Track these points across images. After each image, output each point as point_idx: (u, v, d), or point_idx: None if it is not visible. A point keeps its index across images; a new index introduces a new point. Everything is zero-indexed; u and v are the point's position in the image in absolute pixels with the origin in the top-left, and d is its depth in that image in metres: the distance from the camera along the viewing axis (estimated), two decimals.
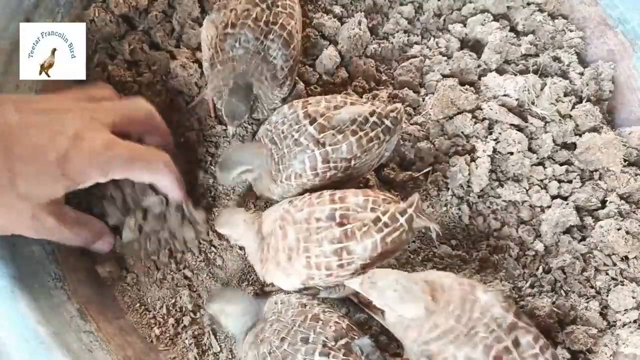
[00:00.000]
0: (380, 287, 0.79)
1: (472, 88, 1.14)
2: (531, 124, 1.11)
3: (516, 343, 0.77)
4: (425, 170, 1.08)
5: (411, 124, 1.12)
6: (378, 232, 0.82)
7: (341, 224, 0.83)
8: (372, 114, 0.91)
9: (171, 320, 0.99)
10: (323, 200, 0.86)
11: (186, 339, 0.99)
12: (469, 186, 1.08)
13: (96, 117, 0.81)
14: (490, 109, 1.11)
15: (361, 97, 1.08)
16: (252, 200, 1.06)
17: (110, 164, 0.81)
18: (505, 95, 1.13)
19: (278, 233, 0.88)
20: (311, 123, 0.90)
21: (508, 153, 1.09)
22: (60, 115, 0.78)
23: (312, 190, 0.92)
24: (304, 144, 0.89)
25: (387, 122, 0.92)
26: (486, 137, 1.10)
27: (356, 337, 0.81)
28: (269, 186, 0.96)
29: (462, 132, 1.10)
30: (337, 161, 0.90)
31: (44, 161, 0.74)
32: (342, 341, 0.79)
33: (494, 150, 1.08)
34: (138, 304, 1.01)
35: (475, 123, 1.10)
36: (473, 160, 1.07)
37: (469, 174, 1.06)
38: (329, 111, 0.91)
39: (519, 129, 1.11)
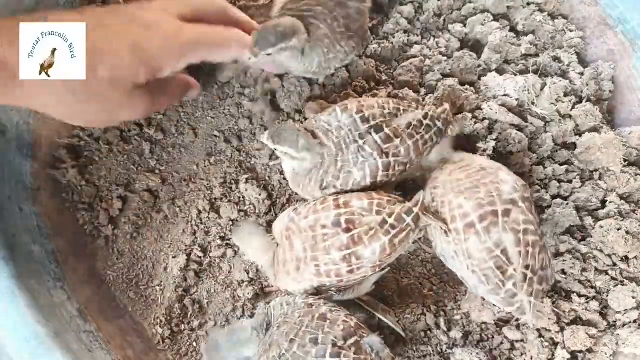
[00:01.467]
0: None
1: (472, 88, 1.14)
2: (531, 124, 1.11)
3: (506, 213, 0.82)
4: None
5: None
6: (385, 234, 0.82)
7: (347, 230, 0.83)
8: (425, 116, 0.93)
9: (172, 321, 1.00)
10: (327, 206, 0.86)
11: (186, 339, 0.99)
12: None
13: (167, 9, 0.85)
14: (490, 109, 1.10)
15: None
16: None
17: (182, 48, 0.84)
18: (505, 95, 1.13)
19: (285, 244, 0.88)
20: (376, 131, 0.89)
21: (508, 153, 1.08)
22: (134, 10, 0.84)
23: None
24: (368, 152, 0.89)
25: (439, 124, 0.94)
26: (486, 137, 1.10)
27: (365, 335, 0.81)
28: (312, 191, 0.92)
29: (462, 132, 1.10)
30: (396, 167, 0.90)
31: (120, 50, 0.78)
32: (352, 340, 0.78)
33: (494, 150, 1.08)
34: (141, 303, 1.01)
35: (476, 123, 1.10)
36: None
37: None
38: (384, 117, 0.90)
39: (519, 129, 1.11)
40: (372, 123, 0.89)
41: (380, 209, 0.84)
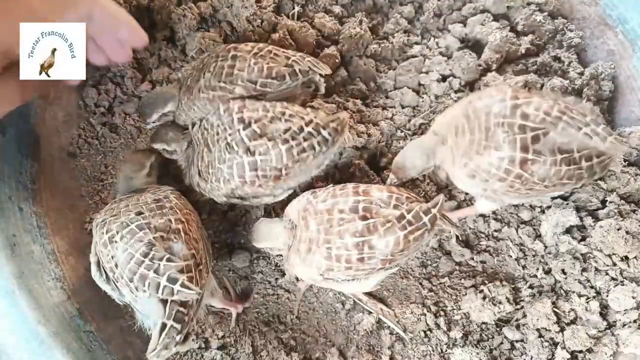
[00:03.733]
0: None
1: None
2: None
3: (524, 116, 0.84)
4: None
5: (411, 125, 1.12)
6: (402, 229, 0.82)
7: (364, 218, 0.83)
8: (308, 123, 0.90)
9: None
10: (346, 192, 0.86)
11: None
12: None
13: None
14: None
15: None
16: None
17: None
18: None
19: (301, 225, 0.88)
20: (244, 129, 0.88)
21: None
22: None
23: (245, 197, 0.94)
24: (235, 150, 0.89)
25: (325, 133, 0.90)
26: None
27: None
28: (198, 181, 0.96)
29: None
30: (267, 170, 0.89)
31: None
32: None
33: None
34: None
35: None
36: None
37: None
38: (265, 118, 0.89)
39: None
40: (246, 122, 0.89)
41: (398, 203, 0.84)
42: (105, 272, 0.85)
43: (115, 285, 0.84)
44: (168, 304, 0.79)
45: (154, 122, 1.01)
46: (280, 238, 0.91)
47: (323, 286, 0.95)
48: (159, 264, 0.79)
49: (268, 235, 0.92)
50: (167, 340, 0.79)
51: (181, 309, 0.80)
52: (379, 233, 0.82)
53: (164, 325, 0.79)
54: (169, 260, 0.80)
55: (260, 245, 0.94)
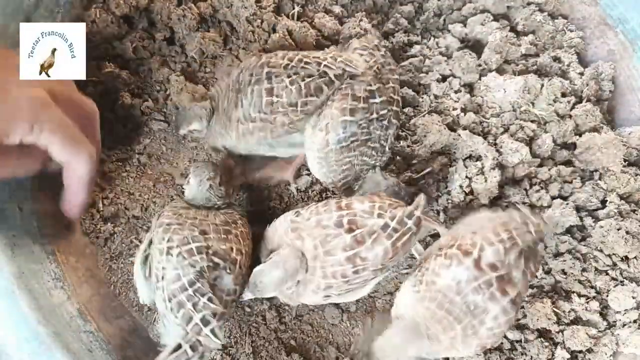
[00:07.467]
0: None
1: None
2: (531, 122, 1.11)
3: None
4: (425, 172, 1.08)
5: (411, 125, 1.12)
6: (388, 238, 0.82)
7: (350, 230, 0.82)
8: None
9: None
10: (329, 208, 0.86)
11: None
12: (470, 188, 1.07)
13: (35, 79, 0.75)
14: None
15: None
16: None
17: (41, 122, 0.74)
18: (505, 95, 1.13)
19: (296, 245, 0.87)
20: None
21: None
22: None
23: None
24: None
25: (330, 74, 0.90)
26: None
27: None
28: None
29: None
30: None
31: None
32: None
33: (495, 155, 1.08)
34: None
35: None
36: (482, 173, 1.07)
37: (470, 184, 1.06)
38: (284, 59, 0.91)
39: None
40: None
41: (381, 212, 0.84)
42: (150, 271, 0.85)
43: (154, 290, 0.84)
44: (191, 329, 0.80)
45: (184, 135, 1.03)
46: (292, 278, 0.85)
47: (323, 303, 0.94)
48: (199, 300, 0.79)
49: (276, 285, 0.86)
50: None
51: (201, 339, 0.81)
52: (366, 245, 0.82)
53: (178, 346, 0.79)
54: (210, 299, 0.80)
55: (272, 295, 0.90)
